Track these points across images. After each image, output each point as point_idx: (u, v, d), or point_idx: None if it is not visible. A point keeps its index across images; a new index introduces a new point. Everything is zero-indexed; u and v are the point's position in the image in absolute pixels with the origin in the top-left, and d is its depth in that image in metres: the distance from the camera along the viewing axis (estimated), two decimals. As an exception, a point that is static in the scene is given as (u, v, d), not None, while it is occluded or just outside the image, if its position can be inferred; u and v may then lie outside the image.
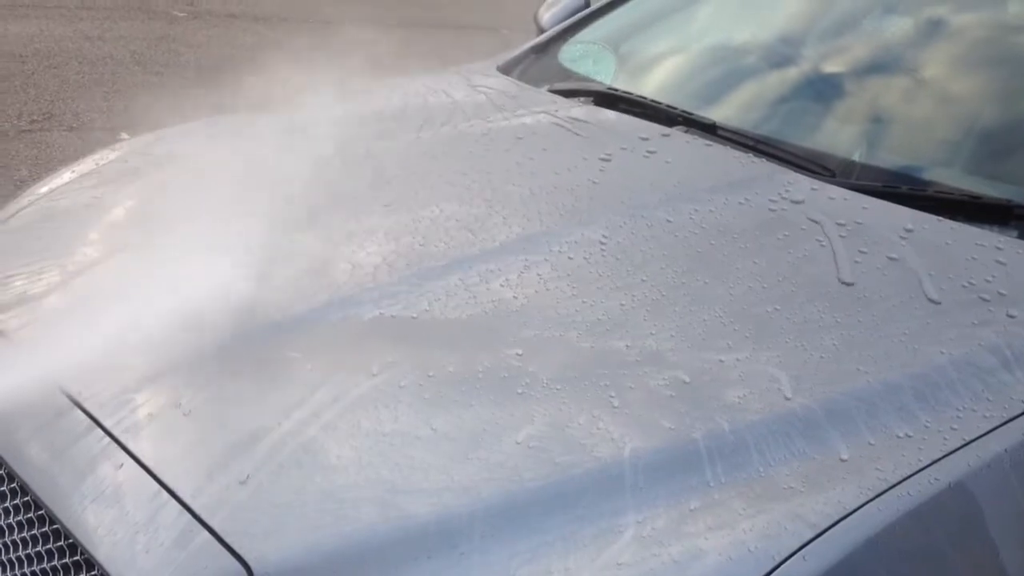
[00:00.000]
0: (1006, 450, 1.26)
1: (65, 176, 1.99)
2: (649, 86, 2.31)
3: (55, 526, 1.27)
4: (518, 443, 1.23)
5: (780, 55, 2.35)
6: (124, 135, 2.24)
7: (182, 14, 7.57)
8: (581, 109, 2.18)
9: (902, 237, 1.63)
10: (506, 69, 2.52)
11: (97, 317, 1.48)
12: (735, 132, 2.01)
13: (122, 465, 1.26)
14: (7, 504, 1.34)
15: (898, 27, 2.31)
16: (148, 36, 6.77)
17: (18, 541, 1.32)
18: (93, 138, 4.75)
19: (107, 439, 1.29)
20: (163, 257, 1.60)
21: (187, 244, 1.63)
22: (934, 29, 2.24)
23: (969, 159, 1.93)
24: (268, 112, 2.28)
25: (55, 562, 1.26)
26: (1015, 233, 1.68)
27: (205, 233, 1.66)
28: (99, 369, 1.39)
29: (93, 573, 1.21)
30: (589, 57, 2.55)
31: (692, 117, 2.07)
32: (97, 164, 2.01)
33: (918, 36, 2.24)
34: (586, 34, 2.66)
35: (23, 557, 1.31)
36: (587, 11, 2.80)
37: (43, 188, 1.97)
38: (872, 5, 2.42)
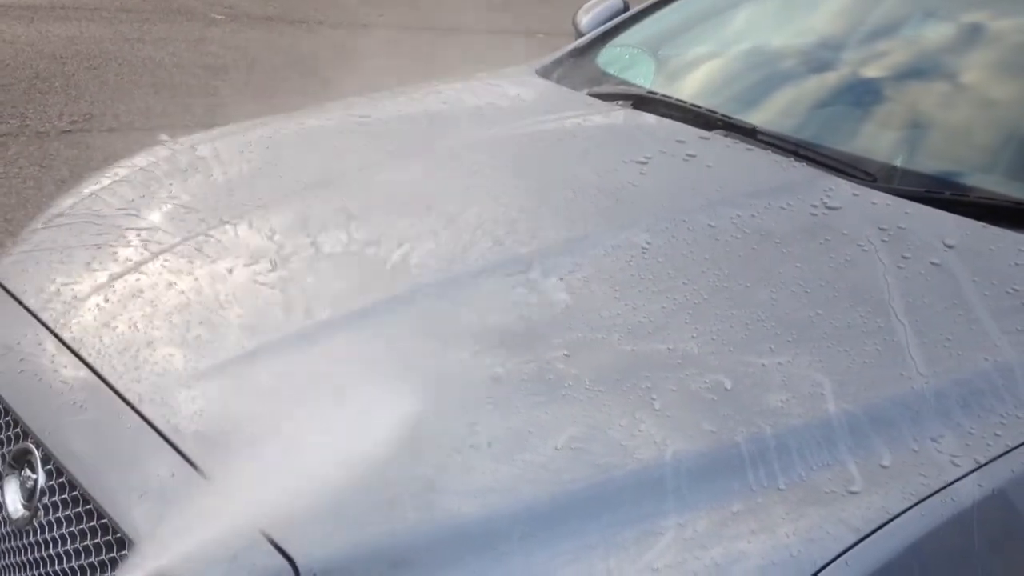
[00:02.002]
0: (1051, 457, 1.25)
1: (109, 176, 2.01)
2: (688, 90, 2.30)
3: (103, 520, 1.28)
4: (560, 446, 1.23)
5: (820, 59, 2.34)
6: (164, 136, 2.27)
7: (220, 16, 7.63)
8: (620, 113, 2.18)
9: (945, 243, 1.63)
10: (544, 73, 2.53)
11: (150, 315, 1.51)
12: (775, 136, 2.00)
13: (169, 461, 1.28)
14: (55, 499, 1.36)
15: (938, 32, 2.30)
16: (187, 38, 6.83)
17: (66, 535, 1.34)
18: (133, 139, 4.80)
19: (156, 436, 1.31)
20: (211, 258, 1.63)
21: (236, 245, 1.65)
22: (974, 33, 2.22)
23: (1012, 164, 1.92)
24: (307, 114, 2.29)
25: (103, 556, 1.28)
26: (1059, 239, 1.67)
27: (251, 234, 1.68)
28: (149, 364, 1.41)
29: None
30: (628, 60, 2.55)
31: (732, 121, 2.07)
32: (139, 165, 2.03)
33: (958, 40, 2.23)
34: (625, 37, 2.66)
35: (71, 551, 1.33)
36: (626, 14, 2.81)
37: (88, 188, 1.99)
38: (912, 10, 2.40)
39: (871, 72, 2.24)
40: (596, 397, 1.30)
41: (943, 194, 1.78)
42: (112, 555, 1.28)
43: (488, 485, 1.19)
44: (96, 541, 1.30)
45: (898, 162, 1.92)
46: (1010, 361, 1.37)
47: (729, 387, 1.32)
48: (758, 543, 1.11)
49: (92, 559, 1.30)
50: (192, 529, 1.19)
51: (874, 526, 1.13)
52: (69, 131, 4.92)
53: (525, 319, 1.45)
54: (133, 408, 1.35)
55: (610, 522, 1.14)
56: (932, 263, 1.58)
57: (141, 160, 2.07)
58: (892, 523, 1.14)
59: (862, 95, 2.17)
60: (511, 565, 1.11)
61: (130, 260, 1.66)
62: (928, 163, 1.94)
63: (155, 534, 1.21)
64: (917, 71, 2.20)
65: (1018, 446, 1.25)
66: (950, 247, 1.62)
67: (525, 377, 1.34)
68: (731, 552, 1.11)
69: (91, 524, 1.31)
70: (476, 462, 1.22)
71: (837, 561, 1.10)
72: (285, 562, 1.13)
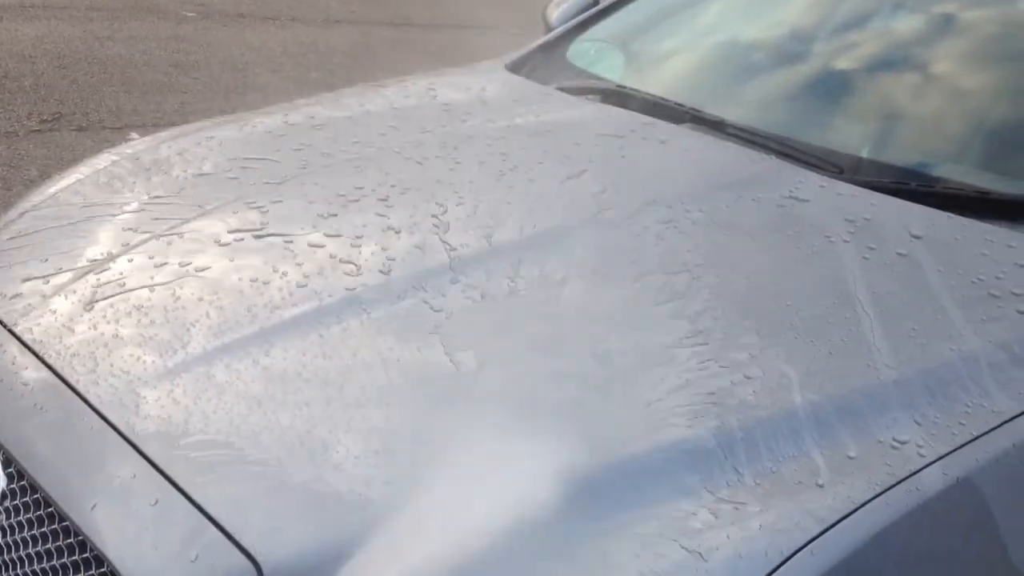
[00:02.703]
0: (1014, 445, 1.26)
1: (75, 175, 1.99)
2: (658, 84, 2.31)
3: (65, 523, 1.27)
4: (530, 437, 1.23)
5: (788, 52, 2.34)
6: (134, 135, 2.25)
7: (192, 14, 7.58)
8: (590, 107, 2.18)
9: (911, 233, 1.63)
10: (514, 68, 2.52)
11: (112, 315, 1.49)
12: (744, 129, 2.00)
13: (131, 463, 1.26)
14: (16, 502, 1.35)
15: (905, 24, 2.31)
16: (158, 36, 6.78)
17: (27, 538, 1.32)
18: (103, 138, 4.76)
19: (118, 437, 1.30)
20: (179, 254, 1.61)
21: (200, 243, 1.64)
22: (941, 25, 2.23)
23: (978, 155, 1.93)
24: (275, 111, 2.28)
25: (64, 559, 1.27)
26: (1024, 229, 1.68)
27: (216, 233, 1.67)
28: (110, 367, 1.40)
29: (102, 570, 1.22)
30: (598, 55, 2.55)
31: (701, 114, 2.07)
32: (104, 164, 2.01)
33: (925, 33, 2.23)
34: (594, 32, 2.66)
35: (32, 555, 1.31)
36: (595, 9, 2.80)
37: (52, 188, 1.97)
38: (877, 3, 2.41)
39: (838, 65, 2.24)
40: (561, 389, 1.30)
41: (909, 185, 1.79)
42: (75, 558, 1.26)
43: (460, 480, 1.18)
44: (59, 544, 1.28)
45: (864, 154, 1.93)
46: (975, 350, 1.38)
47: (695, 379, 1.32)
48: (724, 535, 1.11)
49: (55, 562, 1.28)
50: (154, 531, 1.18)
51: (840, 516, 1.13)
52: (38, 130, 4.88)
53: (488, 314, 1.45)
54: (94, 410, 1.34)
55: (583, 514, 1.14)
56: (898, 254, 1.59)
57: (106, 159, 2.06)
58: (857, 512, 1.14)
59: (829, 88, 2.18)
60: (480, 561, 1.11)
61: (93, 259, 1.64)
62: (894, 154, 1.95)
63: (117, 536, 1.20)
64: (883, 64, 2.20)
65: (983, 434, 1.25)
66: (916, 237, 1.62)
67: (486, 372, 1.33)
68: (698, 545, 1.10)
69: (53, 527, 1.29)
70: (445, 458, 1.21)
71: (803, 551, 1.10)
72: (248, 562, 1.12)
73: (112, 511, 1.24)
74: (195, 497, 1.20)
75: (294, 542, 1.14)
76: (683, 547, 1.10)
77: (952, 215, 1.69)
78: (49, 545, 1.29)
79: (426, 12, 9.18)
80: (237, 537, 1.15)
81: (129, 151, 2.07)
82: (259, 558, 1.12)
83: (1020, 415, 1.29)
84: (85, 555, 1.24)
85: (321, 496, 1.18)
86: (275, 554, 1.12)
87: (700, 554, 1.09)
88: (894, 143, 2.00)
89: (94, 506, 1.24)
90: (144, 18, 7.23)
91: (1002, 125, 1.99)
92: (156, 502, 1.21)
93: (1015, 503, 1.26)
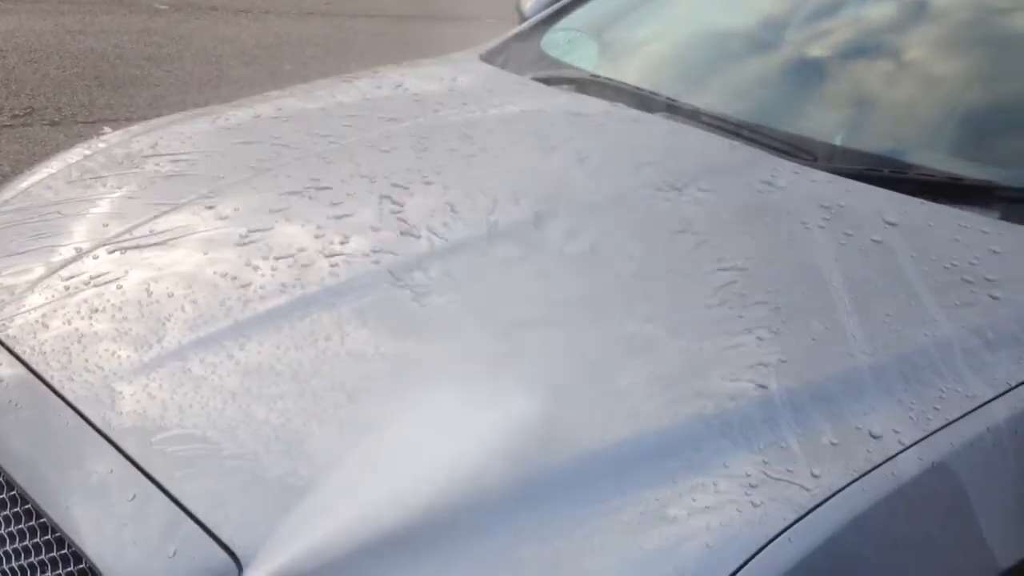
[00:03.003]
0: (988, 429, 1.27)
1: (46, 170, 1.98)
2: (632, 73, 2.31)
3: (42, 520, 1.26)
4: (505, 431, 1.23)
5: (762, 40, 2.35)
6: (107, 129, 2.23)
7: (164, 7, 7.53)
8: (564, 96, 2.17)
9: (885, 220, 1.64)
10: (489, 58, 2.52)
11: (87, 310, 1.48)
12: (718, 118, 2.01)
13: (108, 458, 1.26)
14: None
15: (877, 11, 2.32)
16: (130, 30, 6.73)
17: (4, 536, 1.31)
18: (75, 132, 4.73)
19: (94, 433, 1.29)
20: (153, 248, 1.61)
21: (174, 238, 1.63)
22: (912, 13, 2.24)
23: (951, 141, 1.94)
24: (248, 103, 2.27)
25: (42, 556, 1.26)
26: (997, 214, 1.69)
27: (189, 226, 1.66)
28: (85, 362, 1.39)
29: (80, 567, 1.21)
30: (571, 44, 2.55)
31: (675, 103, 2.08)
32: (76, 159, 2.00)
33: (897, 20, 2.24)
34: (568, 21, 2.66)
35: (10, 552, 1.30)
36: (569, -2, 2.80)
37: (24, 182, 1.96)
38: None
39: (811, 53, 2.25)
40: (534, 379, 1.30)
41: (883, 172, 1.80)
42: (53, 555, 1.25)
43: (430, 479, 1.18)
44: (36, 541, 1.28)
45: (838, 141, 1.94)
46: (948, 336, 1.39)
47: (672, 367, 1.32)
48: (701, 523, 1.11)
49: (33, 559, 1.28)
50: (132, 526, 1.18)
51: (816, 502, 1.14)
52: (10, 125, 4.84)
53: (461, 302, 1.45)
54: (70, 405, 1.33)
55: (559, 503, 1.14)
56: (873, 240, 1.59)
57: (78, 153, 2.04)
58: (834, 498, 1.14)
59: (803, 75, 2.19)
60: (448, 559, 1.11)
61: (66, 255, 1.63)
62: (868, 141, 1.96)
63: (95, 532, 1.20)
64: (855, 51, 2.21)
65: (957, 419, 1.26)
66: (891, 224, 1.63)
67: (460, 359, 1.34)
68: (675, 533, 1.11)
69: (30, 524, 1.28)
70: (424, 449, 1.21)
71: (781, 537, 1.10)
72: (227, 556, 1.12)
73: (90, 507, 1.23)
74: (173, 492, 1.19)
75: (272, 535, 1.13)
76: (662, 534, 1.11)
77: (925, 201, 1.70)
78: (27, 542, 1.28)
79: (401, 3, 9.15)
80: (215, 531, 1.14)
81: (101, 145, 2.06)
82: (238, 552, 1.12)
83: (993, 399, 1.30)
84: (63, 551, 1.23)
85: (298, 489, 1.17)
86: (254, 547, 1.12)
87: (678, 541, 1.10)
88: (867, 130, 2.01)
89: (71, 502, 1.24)
90: (116, 11, 7.18)
91: (973, 111, 2.00)
92: (134, 497, 1.20)
93: (990, 487, 1.27)
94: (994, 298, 1.47)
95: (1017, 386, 1.33)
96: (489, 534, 1.12)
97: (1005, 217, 1.69)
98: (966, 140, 1.94)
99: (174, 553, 1.14)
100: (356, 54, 6.95)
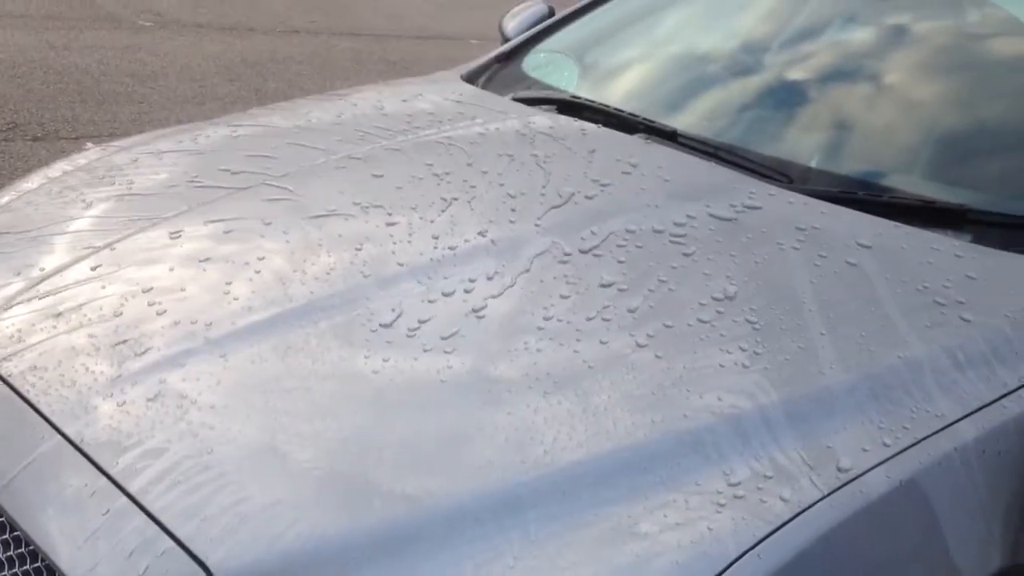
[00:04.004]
0: (956, 448, 1.28)
1: (27, 185, 1.98)
2: (612, 94, 2.33)
3: (15, 533, 1.27)
4: (478, 446, 1.24)
5: (740, 64, 2.38)
6: (89, 144, 2.24)
7: (148, 24, 7.54)
8: (544, 117, 2.19)
9: (859, 242, 1.66)
10: (470, 78, 2.54)
11: (63, 325, 1.49)
12: (696, 140, 2.03)
13: (83, 472, 1.26)
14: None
15: (854, 37, 2.35)
16: (114, 46, 6.73)
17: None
18: (58, 148, 4.72)
19: (69, 447, 1.29)
20: (132, 264, 1.61)
21: (152, 254, 1.63)
22: (888, 39, 2.28)
23: (924, 165, 1.96)
24: (229, 120, 2.28)
25: (15, 569, 1.26)
26: (969, 237, 1.72)
27: (168, 242, 1.67)
28: (61, 377, 1.39)
29: (54, 580, 1.21)
30: (553, 66, 2.57)
31: (654, 125, 2.10)
32: (57, 174, 2.00)
33: (873, 46, 2.28)
34: (550, 43, 2.68)
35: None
36: (551, 20, 2.83)
37: (5, 197, 1.96)
38: (829, 16, 2.45)
39: (789, 76, 2.28)
40: (515, 399, 1.31)
41: (857, 194, 1.82)
42: (26, 568, 1.25)
43: (401, 487, 1.19)
44: (9, 554, 1.28)
45: (814, 164, 1.96)
46: (919, 356, 1.41)
47: (646, 386, 1.33)
48: (671, 538, 1.13)
49: (5, 572, 1.28)
50: (105, 540, 1.18)
51: (785, 519, 1.15)
52: (-7, 140, 4.83)
53: (434, 322, 1.46)
54: (46, 419, 1.33)
55: (524, 521, 1.15)
56: (847, 262, 1.61)
57: (59, 168, 2.05)
58: (803, 515, 1.16)
59: (780, 99, 2.21)
60: (416, 566, 1.12)
61: (45, 269, 1.63)
62: (843, 164, 1.98)
63: (69, 546, 1.20)
64: (832, 76, 2.24)
65: (925, 438, 1.28)
66: (864, 246, 1.65)
67: (439, 384, 1.35)
68: (645, 548, 1.12)
69: (4, 537, 1.28)
70: (404, 465, 1.22)
71: (749, 553, 1.11)
72: (200, 570, 1.12)
73: (63, 521, 1.23)
74: (147, 506, 1.20)
75: (246, 550, 1.14)
76: (632, 550, 1.12)
77: (899, 224, 1.72)
78: (1, 555, 1.28)
79: (386, 23, 9.18)
80: (189, 545, 1.15)
81: (82, 161, 2.06)
82: (211, 566, 1.12)
83: (962, 419, 1.32)
84: (36, 565, 1.24)
85: (272, 504, 1.18)
86: (227, 562, 1.12)
87: (649, 557, 1.11)
88: (843, 153, 2.03)
89: (45, 516, 1.24)
90: (101, 28, 7.18)
91: (947, 136, 2.03)
92: (107, 511, 1.21)
93: (956, 505, 1.29)
94: (965, 320, 1.49)
95: (985, 406, 1.36)
96: (460, 548, 1.13)
97: (977, 240, 1.71)
98: (940, 164, 1.97)
99: (147, 568, 1.14)
100: (341, 72, 6.97)
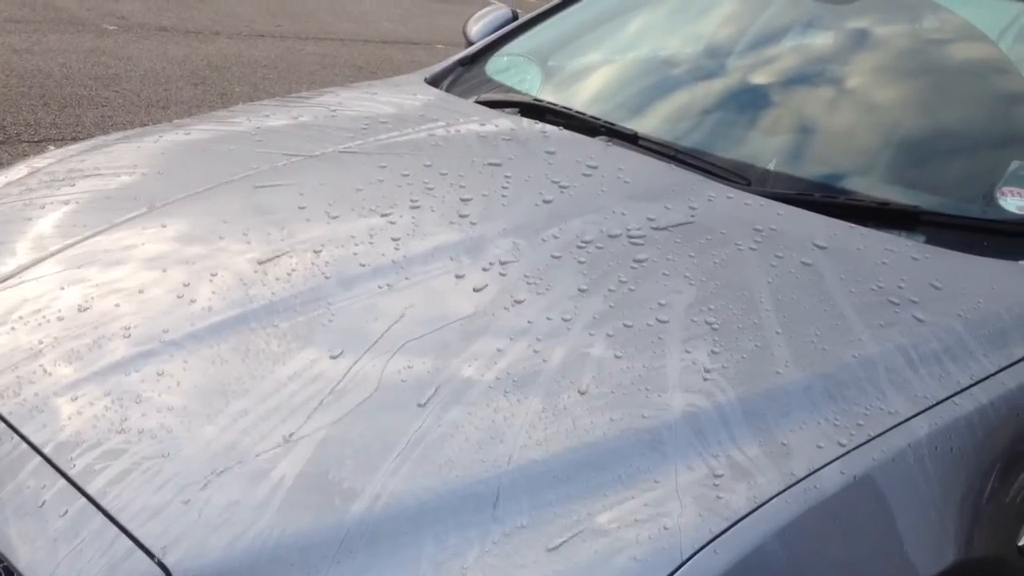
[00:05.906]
0: (909, 445, 1.31)
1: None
2: (574, 98, 2.35)
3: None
4: (436, 445, 1.25)
5: (701, 68, 2.40)
6: (52, 148, 2.22)
7: (112, 27, 7.49)
8: (506, 120, 2.21)
9: (815, 243, 1.68)
10: (434, 81, 2.55)
11: (21, 328, 1.48)
12: (656, 142, 2.05)
13: (42, 474, 1.25)
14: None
15: (813, 42, 2.38)
16: (77, 49, 6.69)
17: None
18: (20, 151, 4.69)
19: (28, 448, 1.29)
20: (92, 265, 1.61)
21: (111, 256, 1.63)
22: (846, 44, 2.31)
23: (880, 168, 1.99)
24: (193, 123, 2.27)
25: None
26: (923, 238, 1.74)
27: (128, 245, 1.66)
28: (19, 379, 1.39)
29: (13, 582, 1.21)
30: (516, 69, 2.59)
31: (615, 128, 2.12)
32: (20, 175, 1.99)
33: (831, 51, 2.31)
34: (514, 47, 2.70)
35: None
36: (514, 24, 2.84)
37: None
38: (788, 21, 2.48)
39: (748, 81, 2.31)
40: (484, 396, 1.32)
41: (814, 196, 1.85)
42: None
43: (371, 488, 1.20)
44: (-33, 557, 1.27)
45: (771, 166, 1.99)
46: (873, 355, 1.43)
47: (606, 382, 1.35)
48: (627, 536, 1.14)
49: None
50: (64, 542, 1.18)
51: (741, 515, 1.16)
52: (-47, 144, 4.79)
53: (400, 327, 1.46)
54: (4, 420, 1.32)
55: (484, 519, 1.16)
56: (803, 262, 1.63)
57: (20, 170, 2.04)
58: (759, 511, 1.17)
59: (739, 103, 2.24)
60: (373, 565, 1.12)
61: (5, 271, 1.62)
62: (800, 167, 2.01)
63: (28, 548, 1.19)
64: (790, 80, 2.27)
65: (879, 435, 1.30)
66: (820, 247, 1.68)
67: (416, 383, 1.36)
68: (601, 546, 1.13)
69: (-38, 540, 1.28)
70: (364, 464, 1.23)
71: (705, 549, 1.13)
72: (160, 571, 1.12)
73: (22, 523, 1.22)
74: (106, 507, 1.20)
75: (205, 551, 1.14)
76: (591, 547, 1.13)
77: (854, 225, 1.75)
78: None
79: (353, 27, 9.17)
80: (149, 546, 1.15)
81: (43, 163, 2.05)
82: (170, 566, 1.12)
83: (915, 416, 1.35)
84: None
85: (232, 504, 1.18)
86: (186, 563, 1.12)
87: (607, 554, 1.12)
88: (800, 156, 2.06)
89: (3, 518, 1.23)
90: (64, 31, 7.13)
91: (902, 139, 2.06)
92: (66, 512, 1.20)
93: (910, 500, 1.31)
94: (918, 319, 1.51)
95: (938, 403, 1.38)
96: (416, 546, 1.14)
97: (931, 241, 1.74)
98: (895, 167, 2.00)
99: (108, 568, 1.14)
100: (306, 76, 6.96)
